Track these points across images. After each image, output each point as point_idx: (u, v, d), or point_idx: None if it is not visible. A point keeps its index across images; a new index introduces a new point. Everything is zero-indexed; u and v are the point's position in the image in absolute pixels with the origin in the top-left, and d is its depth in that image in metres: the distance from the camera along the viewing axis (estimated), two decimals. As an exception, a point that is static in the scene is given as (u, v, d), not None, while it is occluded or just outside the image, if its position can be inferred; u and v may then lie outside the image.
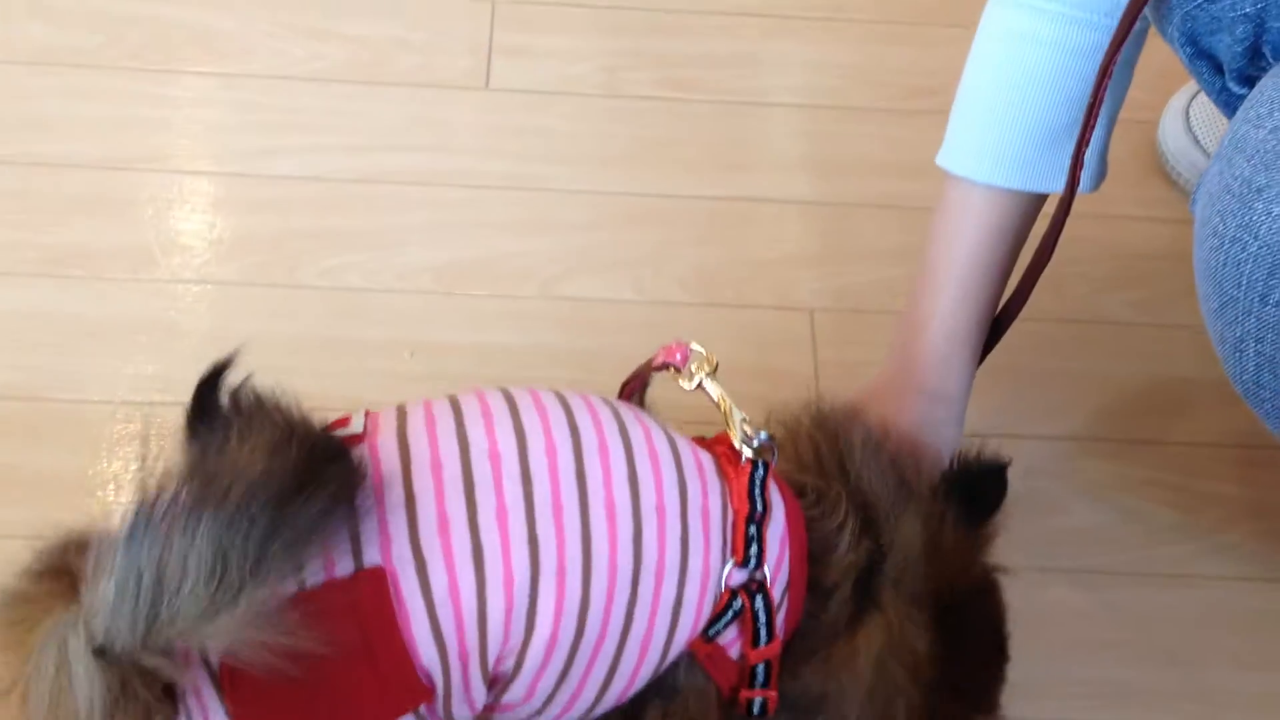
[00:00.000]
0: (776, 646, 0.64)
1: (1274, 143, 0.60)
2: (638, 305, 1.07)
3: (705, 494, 0.64)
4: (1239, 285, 0.61)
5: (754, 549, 0.63)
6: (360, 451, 0.59)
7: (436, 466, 0.59)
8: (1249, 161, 0.60)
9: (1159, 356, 1.08)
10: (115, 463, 0.96)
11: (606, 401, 0.66)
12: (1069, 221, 1.13)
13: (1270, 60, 0.67)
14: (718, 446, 0.68)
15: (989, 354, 0.91)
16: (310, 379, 0.99)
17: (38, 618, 0.54)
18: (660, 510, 0.61)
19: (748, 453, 0.65)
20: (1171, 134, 1.15)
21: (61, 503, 0.93)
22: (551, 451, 0.60)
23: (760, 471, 0.65)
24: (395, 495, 0.58)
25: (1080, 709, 0.89)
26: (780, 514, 0.65)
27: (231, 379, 0.61)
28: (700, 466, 0.65)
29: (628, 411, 0.66)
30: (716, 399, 0.68)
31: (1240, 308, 0.62)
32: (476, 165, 1.15)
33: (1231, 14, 0.67)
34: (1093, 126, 0.77)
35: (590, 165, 1.15)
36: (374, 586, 0.56)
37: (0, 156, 1.10)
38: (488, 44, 1.23)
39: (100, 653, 0.51)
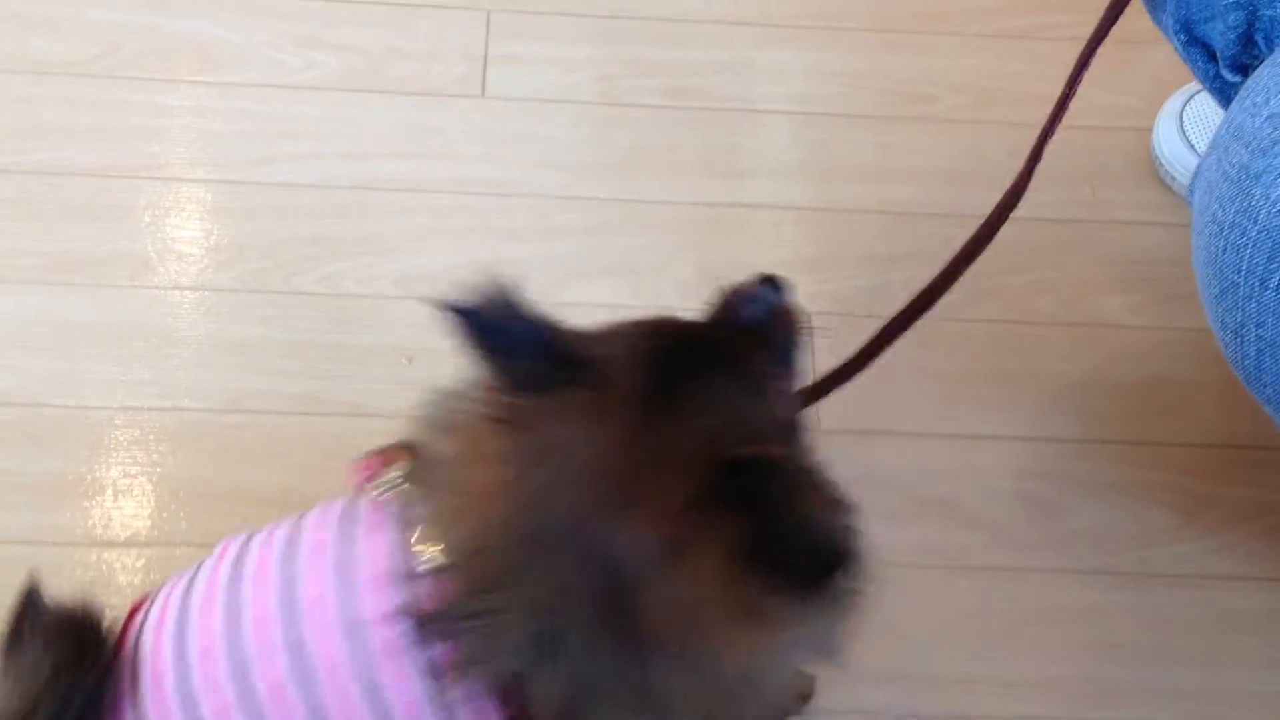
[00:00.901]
0: None
1: (1270, 130, 0.60)
2: (636, 310, 1.06)
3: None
4: (1239, 271, 0.61)
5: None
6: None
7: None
8: (1246, 148, 0.61)
9: (1157, 359, 1.08)
10: (114, 469, 0.95)
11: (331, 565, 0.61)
12: (1065, 226, 1.15)
13: (1263, 48, 0.68)
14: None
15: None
16: (309, 384, 1.01)
17: None
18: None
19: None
20: (1166, 138, 1.15)
21: (60, 508, 0.93)
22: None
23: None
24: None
25: (1087, 709, 0.89)
26: None
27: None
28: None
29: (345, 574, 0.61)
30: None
31: (1240, 293, 0.62)
32: (473, 172, 1.15)
33: (1224, 1, 0.67)
34: (1059, 120, 0.76)
35: (587, 172, 1.16)
36: None
37: (0, 165, 1.10)
38: (483, 52, 1.23)
39: None
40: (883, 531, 0.97)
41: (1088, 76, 1.23)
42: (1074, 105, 1.22)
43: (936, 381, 1.06)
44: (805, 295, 1.09)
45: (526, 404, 0.58)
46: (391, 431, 0.95)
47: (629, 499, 0.54)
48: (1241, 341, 0.64)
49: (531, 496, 0.56)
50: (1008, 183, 1.17)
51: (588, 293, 1.08)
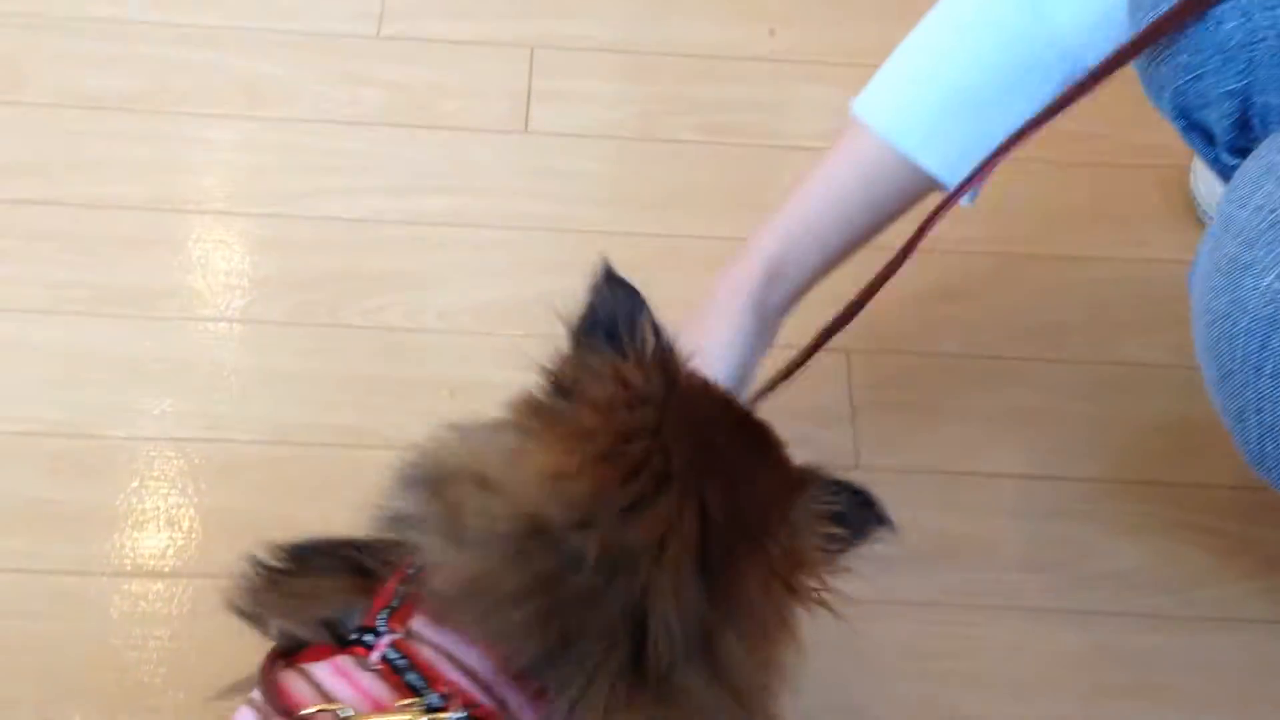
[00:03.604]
0: None
1: (1257, 221, 0.62)
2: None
3: None
4: (1234, 359, 0.63)
5: None
6: None
7: None
8: (1235, 240, 0.63)
9: (1193, 399, 1.06)
10: (161, 499, 0.97)
11: None
12: (1099, 263, 1.15)
13: (1259, 131, 0.69)
14: None
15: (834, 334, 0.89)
16: (355, 416, 1.02)
17: None
18: None
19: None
20: (1204, 178, 1.16)
21: (108, 538, 0.95)
22: None
23: None
24: None
25: (1124, 752, 0.89)
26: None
27: None
28: None
29: None
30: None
31: (1238, 380, 0.64)
32: (516, 207, 1.16)
33: (1217, 90, 0.68)
34: (1020, 140, 0.76)
35: (628, 207, 1.17)
36: None
37: (53, 198, 1.13)
38: (526, 89, 1.25)
39: None
40: (923, 570, 0.98)
41: (1124, 115, 1.24)
42: (1110, 143, 1.23)
43: (972, 420, 1.06)
44: (845, 331, 1.10)
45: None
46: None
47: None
48: (1244, 426, 0.65)
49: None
50: (1039, 218, 1.18)
51: (627, 328, 1.09)
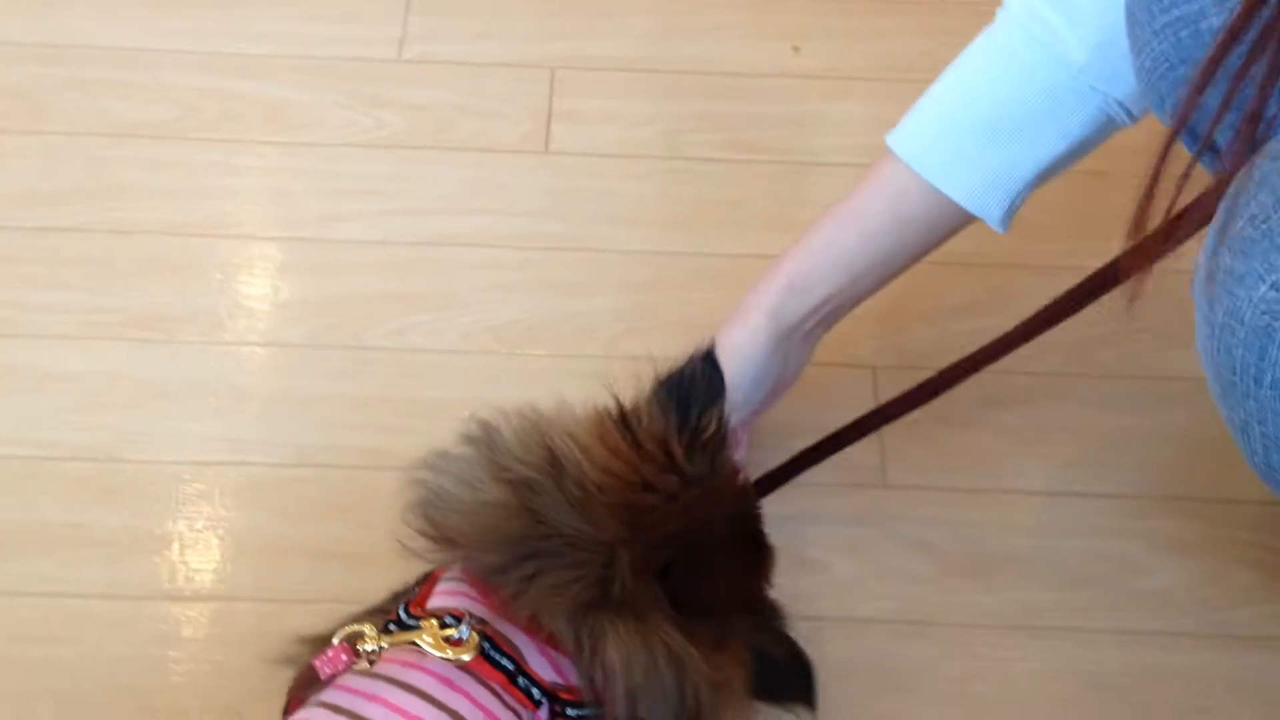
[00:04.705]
0: None
1: (1250, 230, 0.60)
2: (700, 364, 1.07)
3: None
4: (1234, 370, 0.62)
5: (533, 690, 0.66)
6: None
7: None
8: (1230, 250, 0.61)
9: (1233, 412, 1.05)
10: (183, 523, 0.97)
11: None
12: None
13: (1262, 142, 0.67)
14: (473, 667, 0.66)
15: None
16: (377, 438, 1.02)
17: None
18: None
19: (467, 656, 0.65)
20: (1239, 187, 1.14)
21: (132, 562, 0.95)
22: None
23: (488, 644, 0.66)
24: None
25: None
26: (523, 639, 0.67)
27: None
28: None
29: None
30: (408, 639, 0.66)
31: (1239, 391, 0.63)
32: (537, 227, 1.16)
33: (1217, 103, 0.67)
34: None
35: (652, 226, 1.16)
36: None
37: (79, 224, 1.13)
38: (547, 109, 1.24)
39: None
40: (953, 590, 0.96)
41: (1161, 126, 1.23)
42: (1147, 155, 1.21)
43: (1001, 436, 1.04)
44: (871, 348, 1.10)
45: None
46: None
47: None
48: (1248, 438, 0.64)
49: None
50: (1068, 230, 1.17)
51: (653, 345, 1.07)
